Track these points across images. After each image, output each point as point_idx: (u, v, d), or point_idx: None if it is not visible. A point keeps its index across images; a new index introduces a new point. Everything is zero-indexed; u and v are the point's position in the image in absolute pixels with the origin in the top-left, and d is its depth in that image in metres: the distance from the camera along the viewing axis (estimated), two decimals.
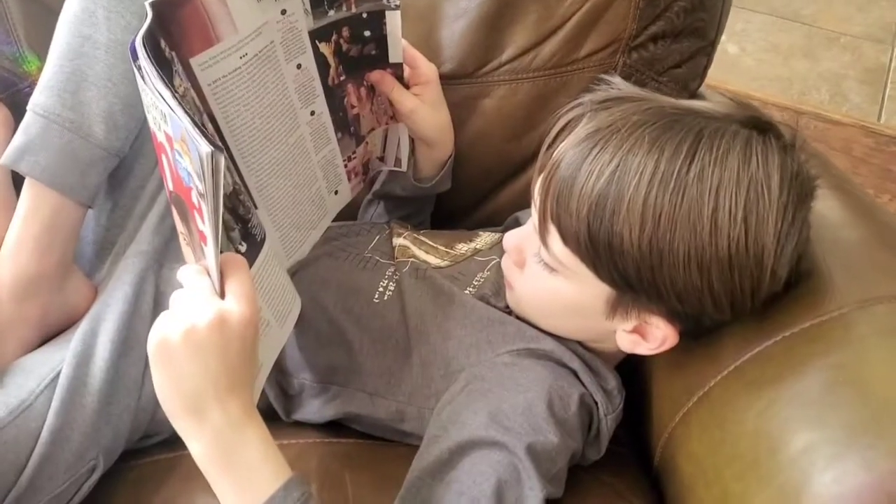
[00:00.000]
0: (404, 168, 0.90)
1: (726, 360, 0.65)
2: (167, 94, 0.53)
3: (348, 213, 0.91)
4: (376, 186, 0.95)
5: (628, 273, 0.61)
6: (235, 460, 0.55)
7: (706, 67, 0.94)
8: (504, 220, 0.90)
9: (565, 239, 0.63)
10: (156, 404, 0.59)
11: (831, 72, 1.97)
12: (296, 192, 0.78)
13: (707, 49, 0.92)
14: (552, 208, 0.63)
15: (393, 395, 0.74)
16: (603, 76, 0.69)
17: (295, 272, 0.81)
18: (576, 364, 0.69)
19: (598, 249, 0.61)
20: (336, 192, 0.86)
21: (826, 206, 0.69)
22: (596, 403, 0.69)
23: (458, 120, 0.90)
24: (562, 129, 0.65)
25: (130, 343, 0.74)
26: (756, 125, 0.62)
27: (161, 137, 0.57)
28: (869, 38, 2.10)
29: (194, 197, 0.55)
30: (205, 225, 0.55)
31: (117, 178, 0.78)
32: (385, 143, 0.90)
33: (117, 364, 0.72)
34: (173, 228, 0.77)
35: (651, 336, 0.66)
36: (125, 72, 0.72)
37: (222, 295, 0.56)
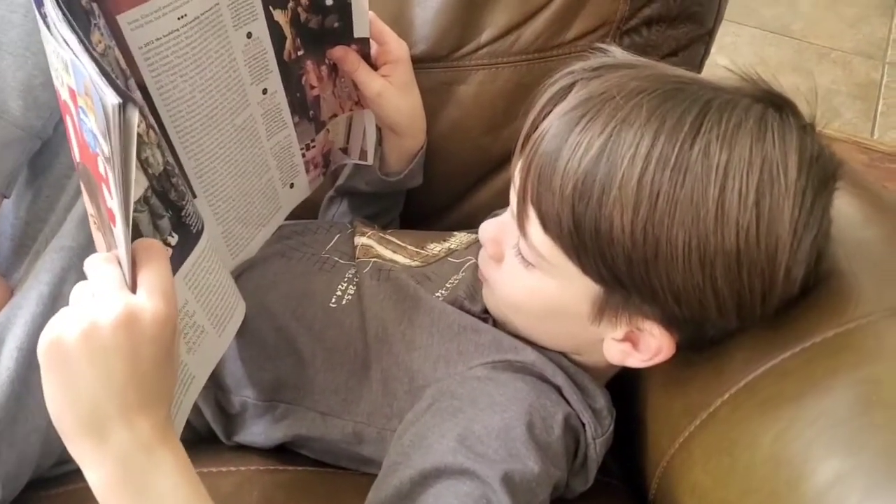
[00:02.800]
0: (370, 161, 0.81)
1: (735, 375, 0.57)
2: (71, 37, 0.44)
3: (307, 211, 0.83)
4: (339, 181, 0.87)
5: (618, 266, 0.53)
6: (143, 493, 0.46)
7: (704, 58, 0.87)
8: (481, 221, 0.81)
9: (546, 225, 0.55)
10: None
11: (822, 87, 1.93)
12: (243, 181, 0.69)
13: (705, 38, 0.86)
14: (532, 188, 0.54)
15: (349, 414, 0.65)
16: (599, 45, 0.61)
17: (240, 273, 0.72)
18: (560, 379, 0.61)
19: (583, 237, 0.53)
20: (291, 186, 0.77)
21: (844, 203, 0.62)
22: (583, 425, 0.61)
23: (431, 109, 0.82)
24: (548, 102, 0.56)
25: None
26: (772, 101, 0.55)
27: (65, 94, 0.48)
28: (860, 53, 2.08)
29: (101, 165, 0.46)
30: (113, 200, 0.45)
31: (39, 164, 0.70)
32: (349, 133, 0.81)
33: (25, 377, 0.63)
34: None
35: (643, 345, 0.58)
36: None
37: (134, 288, 0.47)
